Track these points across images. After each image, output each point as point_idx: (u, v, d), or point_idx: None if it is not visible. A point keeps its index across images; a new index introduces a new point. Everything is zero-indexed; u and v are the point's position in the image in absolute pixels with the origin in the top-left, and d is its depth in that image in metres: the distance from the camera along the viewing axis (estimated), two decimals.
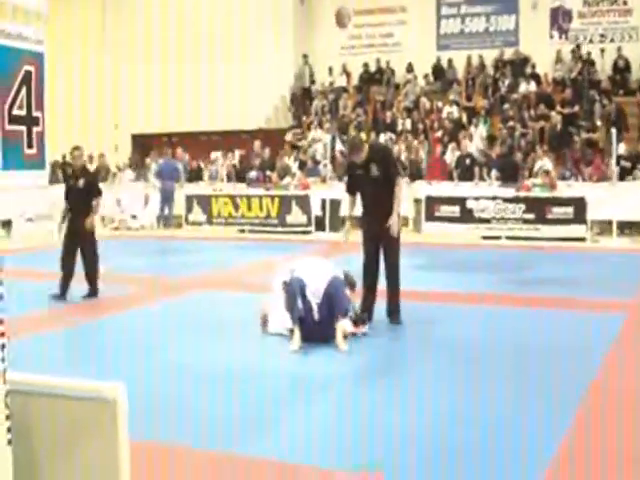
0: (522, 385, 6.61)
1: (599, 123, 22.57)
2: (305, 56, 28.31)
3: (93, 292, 10.86)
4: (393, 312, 8.90)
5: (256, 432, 5.40)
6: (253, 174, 22.80)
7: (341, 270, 8.49)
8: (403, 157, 21.40)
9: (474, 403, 6.07)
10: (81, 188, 10.75)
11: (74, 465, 2.92)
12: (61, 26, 28.64)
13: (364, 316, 8.56)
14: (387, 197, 8.81)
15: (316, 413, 5.89)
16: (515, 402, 6.16)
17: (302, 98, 27.96)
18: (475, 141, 22.26)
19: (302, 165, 22.85)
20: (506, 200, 18.36)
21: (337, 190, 19.27)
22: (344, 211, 15.94)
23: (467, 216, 18.65)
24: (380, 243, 8.91)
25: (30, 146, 3.94)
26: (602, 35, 25.23)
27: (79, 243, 10.76)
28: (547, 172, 19.08)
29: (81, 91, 30.14)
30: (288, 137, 25.64)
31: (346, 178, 9.76)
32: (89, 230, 10.82)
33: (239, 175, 23.22)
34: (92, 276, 10.84)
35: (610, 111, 22.62)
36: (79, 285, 10.81)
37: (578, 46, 24.87)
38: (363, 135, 22.12)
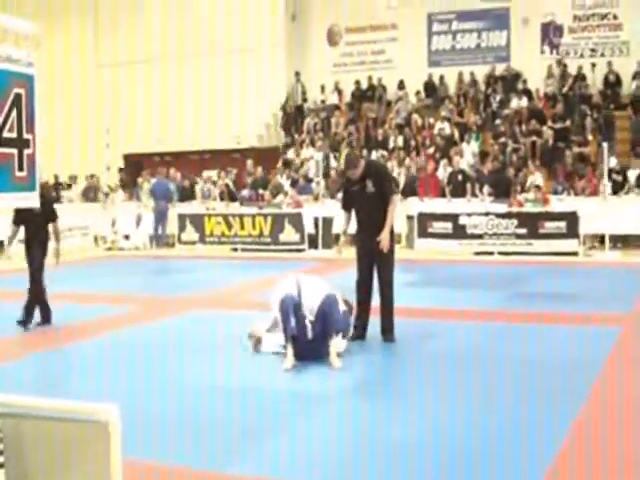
0: (521, 394, 6.62)
1: (590, 137, 22.66)
2: (297, 74, 28.36)
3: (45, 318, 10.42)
4: (387, 329, 8.85)
5: (250, 451, 5.36)
6: (246, 193, 22.82)
7: (339, 293, 8.48)
8: (395, 173, 21.40)
9: (473, 413, 6.08)
10: (38, 211, 9.57)
11: None
12: (58, 48, 28.77)
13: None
14: (382, 213, 8.80)
15: (313, 430, 5.84)
16: (514, 409, 6.20)
17: (294, 116, 27.99)
18: (467, 157, 22.31)
19: (294, 183, 22.86)
20: (498, 216, 18.38)
21: (330, 208, 19.32)
22: (338, 228, 15.92)
23: (460, 232, 18.66)
24: (374, 260, 8.89)
25: (21, 169, 3.93)
26: (593, 50, 25.38)
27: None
28: (538, 187, 19.15)
29: (81, 110, 30.25)
30: (287, 155, 25.63)
31: (341, 194, 9.73)
32: (56, 262, 10.35)
33: (232, 194, 23.20)
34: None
35: (600, 125, 22.73)
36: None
37: (560, 61, 25.02)
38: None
